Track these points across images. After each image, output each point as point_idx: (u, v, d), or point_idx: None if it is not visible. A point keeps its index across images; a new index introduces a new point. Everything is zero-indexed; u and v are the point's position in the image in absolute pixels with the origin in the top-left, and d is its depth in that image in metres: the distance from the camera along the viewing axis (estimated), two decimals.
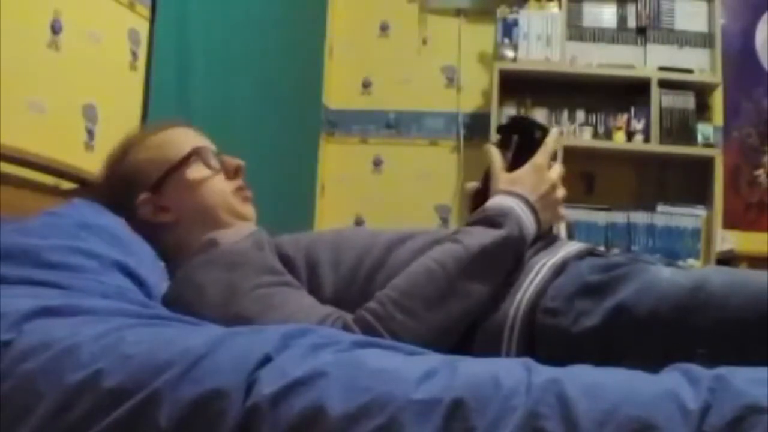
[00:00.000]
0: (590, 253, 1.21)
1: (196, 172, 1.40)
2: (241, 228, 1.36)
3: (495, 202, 1.19)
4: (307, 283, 1.19)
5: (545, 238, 1.23)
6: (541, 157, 1.22)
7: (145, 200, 1.38)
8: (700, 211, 3.62)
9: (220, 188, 1.41)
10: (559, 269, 1.13)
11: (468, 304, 1.09)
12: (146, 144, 1.42)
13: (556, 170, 1.24)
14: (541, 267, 1.13)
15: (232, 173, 1.43)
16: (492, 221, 1.14)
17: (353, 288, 1.17)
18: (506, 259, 1.13)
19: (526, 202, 1.18)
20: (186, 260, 1.29)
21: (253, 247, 1.22)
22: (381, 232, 1.27)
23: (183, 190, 1.39)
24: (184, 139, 1.44)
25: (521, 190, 1.19)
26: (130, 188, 1.38)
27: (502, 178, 1.23)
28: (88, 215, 1.31)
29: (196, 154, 1.41)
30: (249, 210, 1.43)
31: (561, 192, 1.24)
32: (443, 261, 1.10)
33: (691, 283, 1.03)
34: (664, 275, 1.06)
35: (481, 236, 1.12)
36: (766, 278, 1.01)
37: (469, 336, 1.09)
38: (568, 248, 1.19)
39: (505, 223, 1.13)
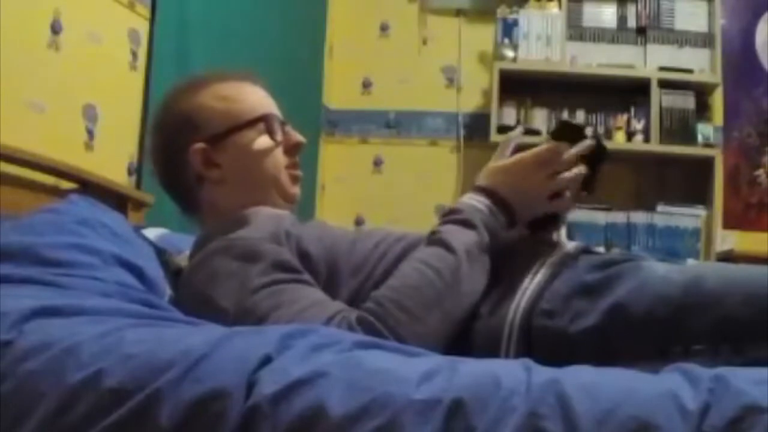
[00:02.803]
0: (585, 251, 1.21)
1: (259, 140, 1.36)
2: (275, 211, 1.32)
3: (464, 202, 1.19)
4: (325, 284, 1.18)
5: (540, 240, 1.23)
6: (534, 154, 1.20)
7: (199, 150, 1.33)
8: (700, 211, 3.62)
9: (276, 162, 1.37)
10: (556, 271, 1.13)
11: (462, 304, 1.10)
12: (217, 90, 1.37)
13: (573, 172, 1.20)
14: (537, 270, 1.13)
15: (291, 149, 1.39)
16: (465, 222, 1.15)
17: (363, 293, 1.17)
18: (485, 260, 1.14)
19: (496, 198, 1.18)
20: (210, 228, 1.28)
21: (271, 241, 1.19)
22: (400, 236, 1.25)
23: (240, 153, 1.34)
24: (256, 99, 1.39)
25: (496, 185, 1.19)
26: (188, 130, 1.34)
27: (486, 170, 1.23)
28: (87, 212, 1.30)
29: (264, 121, 1.36)
30: (296, 191, 1.40)
31: (564, 184, 1.21)
32: (434, 264, 1.10)
33: (686, 282, 1.03)
34: (660, 273, 1.06)
35: (462, 238, 1.13)
36: (761, 274, 1.01)
37: (467, 341, 1.09)
38: (562, 248, 1.19)
39: (477, 225, 1.14)
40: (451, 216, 1.17)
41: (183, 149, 1.33)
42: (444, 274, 1.09)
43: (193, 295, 1.18)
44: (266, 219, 1.27)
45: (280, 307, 1.08)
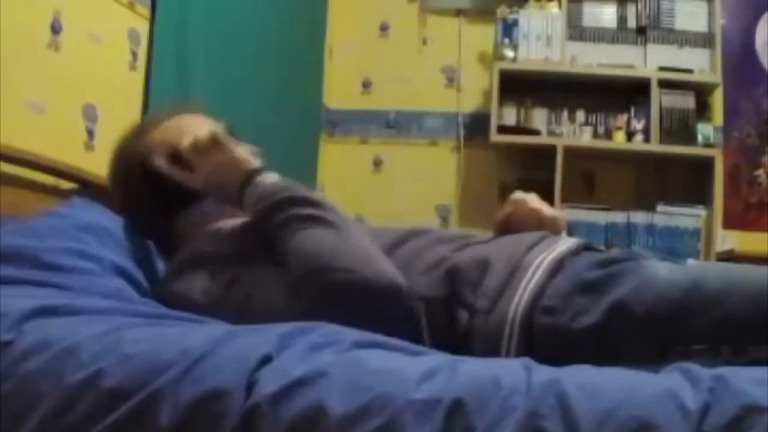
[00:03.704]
0: (586, 248, 1.21)
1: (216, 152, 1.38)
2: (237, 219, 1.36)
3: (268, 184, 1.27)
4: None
5: (541, 236, 1.24)
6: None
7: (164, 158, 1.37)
8: (700, 211, 3.62)
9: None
10: (556, 267, 1.13)
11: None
12: (163, 126, 1.42)
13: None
14: (537, 266, 1.13)
15: None
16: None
17: None
18: None
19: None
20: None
21: (214, 242, 1.26)
22: (389, 231, 1.28)
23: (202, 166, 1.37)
24: (200, 122, 1.44)
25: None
26: (143, 168, 1.36)
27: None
28: (88, 215, 1.31)
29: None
30: None
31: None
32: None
33: (688, 281, 1.03)
34: (662, 272, 1.06)
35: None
36: (762, 275, 1.01)
37: (468, 338, 1.09)
38: (563, 244, 1.19)
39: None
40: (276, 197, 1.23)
41: (142, 184, 1.37)
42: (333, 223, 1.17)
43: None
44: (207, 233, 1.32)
45: (248, 302, 1.14)
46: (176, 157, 1.36)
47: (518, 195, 1.39)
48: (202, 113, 1.48)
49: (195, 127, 1.41)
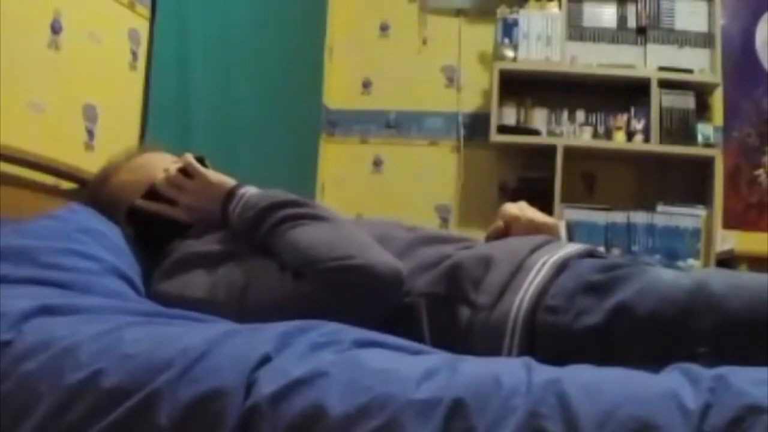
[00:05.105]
0: (590, 254, 1.21)
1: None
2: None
3: (252, 194, 1.30)
4: None
5: (545, 239, 1.24)
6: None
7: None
8: (700, 211, 3.62)
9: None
10: (560, 268, 1.13)
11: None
12: (127, 167, 1.47)
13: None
14: (541, 266, 1.13)
15: None
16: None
17: None
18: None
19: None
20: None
21: (203, 242, 1.29)
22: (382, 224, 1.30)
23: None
24: (165, 158, 1.49)
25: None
26: (116, 208, 1.41)
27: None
28: (87, 220, 1.32)
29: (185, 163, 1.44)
30: None
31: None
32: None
33: (692, 285, 1.03)
34: (666, 277, 1.06)
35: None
36: (766, 280, 1.01)
37: (469, 335, 1.09)
38: (568, 248, 1.19)
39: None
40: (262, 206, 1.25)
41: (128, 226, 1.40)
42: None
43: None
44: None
45: (247, 287, 1.16)
46: (154, 194, 1.39)
47: (509, 209, 1.38)
48: (162, 150, 1.52)
49: (162, 163, 1.45)
